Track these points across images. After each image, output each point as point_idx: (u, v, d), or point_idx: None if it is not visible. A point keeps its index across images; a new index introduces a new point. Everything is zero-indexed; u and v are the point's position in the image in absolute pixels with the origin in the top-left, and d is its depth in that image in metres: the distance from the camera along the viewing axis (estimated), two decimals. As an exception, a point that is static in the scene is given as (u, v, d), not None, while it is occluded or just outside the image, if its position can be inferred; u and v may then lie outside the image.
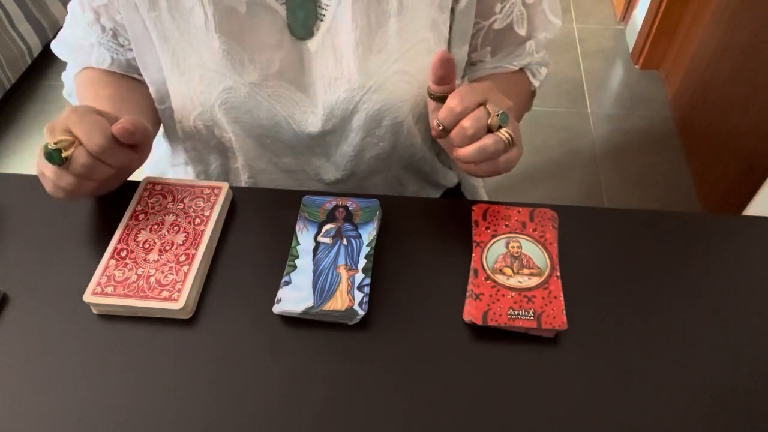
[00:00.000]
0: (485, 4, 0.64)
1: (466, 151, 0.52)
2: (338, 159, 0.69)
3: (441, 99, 0.54)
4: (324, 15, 0.61)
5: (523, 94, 0.75)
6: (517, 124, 0.57)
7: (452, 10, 0.63)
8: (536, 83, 0.75)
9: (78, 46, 0.69)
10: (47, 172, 0.52)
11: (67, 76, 0.74)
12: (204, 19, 0.59)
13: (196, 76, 0.62)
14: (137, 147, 0.56)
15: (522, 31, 0.68)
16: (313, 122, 0.64)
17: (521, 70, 0.73)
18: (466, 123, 0.51)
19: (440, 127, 0.53)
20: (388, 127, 0.65)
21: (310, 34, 0.62)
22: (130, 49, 0.67)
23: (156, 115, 0.71)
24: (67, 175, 0.51)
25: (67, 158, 0.50)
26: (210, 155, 0.74)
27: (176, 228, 0.58)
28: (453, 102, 0.51)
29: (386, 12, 0.60)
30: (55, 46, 0.73)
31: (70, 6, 0.69)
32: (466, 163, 0.53)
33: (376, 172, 0.72)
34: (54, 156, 0.50)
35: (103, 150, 0.50)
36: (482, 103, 0.52)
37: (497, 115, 0.51)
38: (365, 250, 0.56)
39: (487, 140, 0.51)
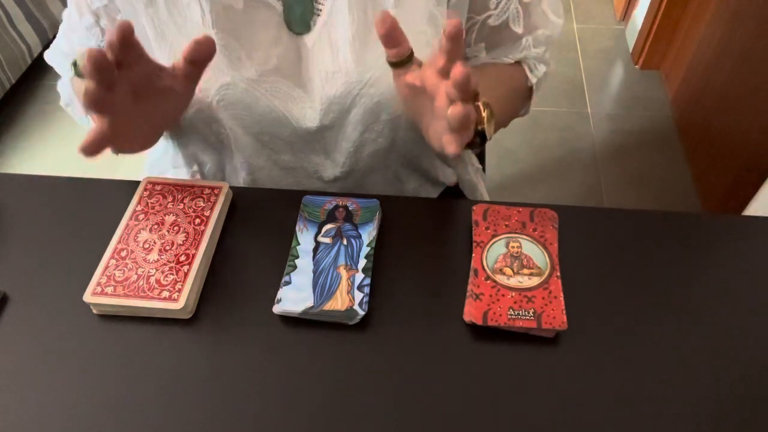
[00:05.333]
0: None
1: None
2: (337, 156, 0.69)
3: (397, 65, 0.52)
4: (320, 9, 0.61)
5: (516, 88, 0.74)
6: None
7: (447, 3, 0.63)
8: (533, 79, 0.73)
9: (75, 53, 0.69)
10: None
11: (63, 85, 0.73)
12: (201, 15, 0.59)
13: None
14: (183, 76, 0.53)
15: (518, 29, 0.68)
16: (311, 117, 0.64)
17: (518, 63, 0.72)
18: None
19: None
20: (387, 121, 0.65)
21: (307, 29, 0.62)
22: None
23: None
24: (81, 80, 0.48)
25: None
26: (204, 154, 0.74)
27: (176, 228, 0.58)
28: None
29: (383, 5, 0.60)
30: (50, 57, 0.73)
31: (65, 14, 0.69)
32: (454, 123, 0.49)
33: (375, 169, 0.72)
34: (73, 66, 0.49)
35: (119, 31, 0.45)
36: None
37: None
38: (365, 250, 0.56)
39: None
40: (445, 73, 0.48)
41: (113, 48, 0.46)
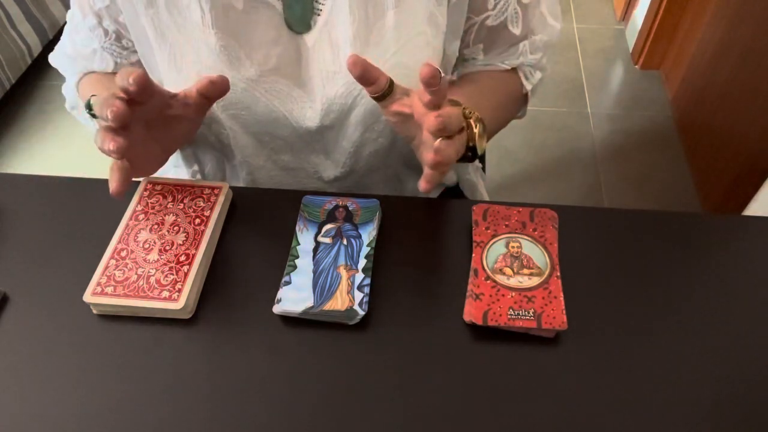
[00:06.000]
0: (478, 0, 0.64)
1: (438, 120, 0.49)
2: (337, 156, 0.69)
3: (379, 98, 0.54)
4: (321, 9, 0.61)
5: (511, 94, 0.74)
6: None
7: (447, 4, 0.63)
8: (528, 86, 0.74)
9: (78, 55, 0.69)
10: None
11: (68, 88, 0.73)
12: (201, 16, 0.59)
13: (193, 74, 0.62)
14: (189, 112, 0.55)
15: (516, 30, 0.68)
16: (311, 117, 0.64)
17: (514, 70, 0.73)
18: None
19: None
20: (387, 122, 0.65)
21: (307, 28, 0.62)
22: (134, 52, 0.67)
23: None
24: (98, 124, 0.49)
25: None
26: (204, 154, 0.74)
27: (176, 228, 0.58)
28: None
29: (383, 5, 0.60)
30: (53, 59, 0.73)
31: (68, 15, 0.69)
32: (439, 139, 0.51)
33: (375, 169, 0.72)
34: (86, 107, 0.51)
35: (134, 84, 0.47)
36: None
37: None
38: (365, 250, 0.56)
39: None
40: (430, 106, 0.50)
41: (127, 93, 0.47)
